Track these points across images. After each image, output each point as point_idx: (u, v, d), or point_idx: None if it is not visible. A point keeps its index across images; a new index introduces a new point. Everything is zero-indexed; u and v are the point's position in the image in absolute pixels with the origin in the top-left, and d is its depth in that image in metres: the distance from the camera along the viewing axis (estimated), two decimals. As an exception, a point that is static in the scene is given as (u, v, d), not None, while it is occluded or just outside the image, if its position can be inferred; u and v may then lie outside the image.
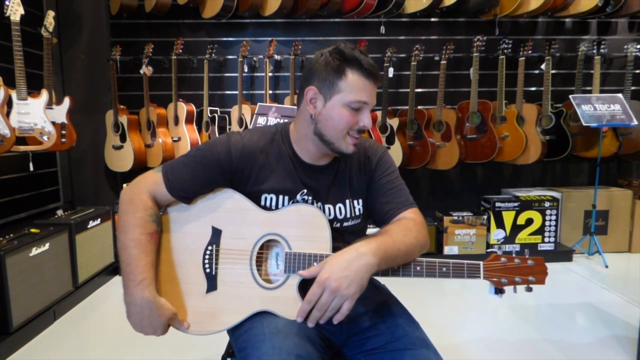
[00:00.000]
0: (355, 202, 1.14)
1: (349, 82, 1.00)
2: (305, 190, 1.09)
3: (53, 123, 2.50)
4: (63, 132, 2.56)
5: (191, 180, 1.06)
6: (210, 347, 2.05)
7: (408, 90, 3.18)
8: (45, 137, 2.48)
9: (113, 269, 3.01)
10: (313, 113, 1.05)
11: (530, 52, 3.17)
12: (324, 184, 1.12)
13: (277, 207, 1.08)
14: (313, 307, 0.93)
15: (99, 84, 3.15)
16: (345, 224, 1.13)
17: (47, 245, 2.34)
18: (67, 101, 2.58)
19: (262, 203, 1.08)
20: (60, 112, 2.56)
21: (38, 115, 2.46)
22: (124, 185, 3.09)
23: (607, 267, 3.04)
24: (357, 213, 1.15)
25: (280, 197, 1.08)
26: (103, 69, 3.13)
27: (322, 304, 0.92)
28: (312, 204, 1.09)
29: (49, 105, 2.50)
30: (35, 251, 2.24)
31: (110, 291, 2.81)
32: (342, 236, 1.12)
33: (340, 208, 1.12)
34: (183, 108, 3.12)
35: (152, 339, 2.21)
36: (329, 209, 1.11)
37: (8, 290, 2.04)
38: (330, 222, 1.10)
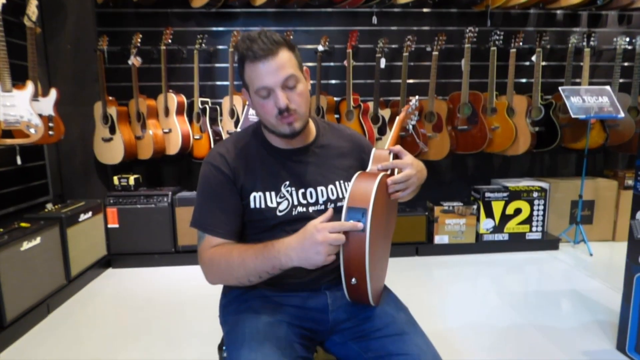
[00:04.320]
0: (346, 183, 1.15)
1: (248, 76, 1.04)
2: (287, 182, 1.11)
3: (40, 115, 2.45)
4: (50, 124, 2.51)
5: (224, 214, 1.09)
6: (206, 340, 2.07)
7: (400, 81, 3.18)
8: (32, 130, 2.43)
9: (106, 262, 3.01)
10: (252, 108, 1.10)
11: (521, 43, 3.18)
12: (310, 167, 1.14)
13: (265, 204, 1.09)
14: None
15: (86, 75, 3.09)
16: (340, 204, 1.13)
17: (38, 240, 2.32)
18: (53, 93, 2.53)
19: (252, 204, 1.09)
20: (47, 104, 2.51)
21: (24, 107, 2.41)
22: (114, 177, 3.07)
23: (591, 255, 3.12)
24: None
25: (267, 193, 1.10)
26: (90, 60, 3.06)
27: (411, 181, 1.07)
28: (297, 193, 1.11)
29: (34, 97, 2.45)
30: (26, 245, 2.23)
31: (103, 283, 2.81)
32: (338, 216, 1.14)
33: (332, 189, 1.14)
34: (173, 99, 3.09)
35: (146, 330, 2.23)
36: (321, 190, 1.13)
37: (0, 285, 2.03)
38: (324, 203, 1.12)
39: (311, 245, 0.89)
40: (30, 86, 2.43)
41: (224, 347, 1.14)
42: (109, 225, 3.00)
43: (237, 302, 1.12)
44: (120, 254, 3.04)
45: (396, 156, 1.11)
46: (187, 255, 3.04)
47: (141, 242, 3.02)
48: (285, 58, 1.02)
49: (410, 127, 1.48)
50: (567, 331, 2.08)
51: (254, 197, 1.09)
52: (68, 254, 2.57)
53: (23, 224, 2.35)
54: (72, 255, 2.61)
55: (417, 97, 1.43)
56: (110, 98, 3.06)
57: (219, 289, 1.21)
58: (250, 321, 1.03)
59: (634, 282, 1.78)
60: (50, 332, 2.19)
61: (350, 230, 0.90)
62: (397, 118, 1.31)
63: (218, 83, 3.32)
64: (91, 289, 2.72)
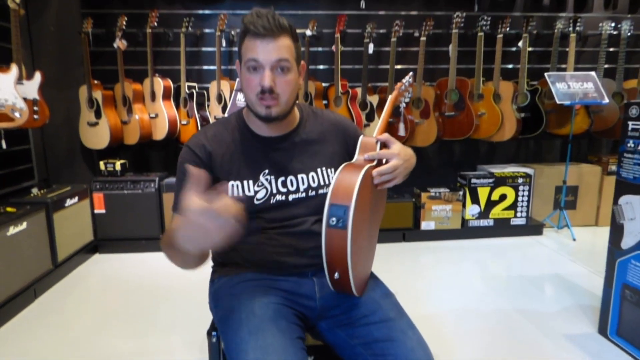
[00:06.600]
0: (328, 170, 1.15)
1: (244, 47, 1.03)
2: (266, 170, 1.11)
3: (24, 99, 2.42)
4: (35, 108, 2.49)
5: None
6: (194, 326, 2.09)
7: (388, 66, 3.18)
8: (17, 114, 2.41)
9: (93, 247, 3.00)
10: (241, 85, 1.10)
11: (508, 29, 3.19)
12: (290, 154, 1.13)
13: (243, 193, 1.09)
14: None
15: (71, 58, 3.05)
16: (321, 191, 1.14)
17: (24, 225, 2.31)
18: (38, 76, 2.50)
19: (229, 192, 1.09)
20: (32, 88, 2.48)
21: (8, 91, 2.39)
22: (101, 162, 3.05)
23: (574, 240, 3.18)
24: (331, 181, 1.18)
25: (245, 182, 1.10)
26: (74, 42, 3.02)
27: (398, 172, 1.07)
28: (277, 181, 1.11)
29: (19, 80, 2.42)
30: (12, 230, 2.22)
31: (90, 269, 2.81)
32: (321, 202, 1.11)
33: (313, 176, 1.13)
34: (159, 83, 3.06)
35: (133, 316, 2.23)
36: (302, 178, 1.12)
37: (-14, 270, 2.03)
38: (305, 190, 1.12)
39: (195, 230, 0.77)
40: (14, 69, 2.40)
41: (213, 333, 1.16)
42: (96, 211, 2.99)
43: (227, 287, 1.13)
44: (107, 239, 3.04)
45: (384, 144, 1.11)
46: (175, 240, 3.04)
47: (128, 228, 3.02)
48: (284, 44, 1.01)
49: (403, 105, 1.47)
50: (550, 315, 2.12)
51: (232, 185, 1.09)
52: (54, 239, 2.57)
53: (9, 209, 2.33)
54: (58, 241, 2.60)
55: (411, 73, 1.42)
56: (96, 82, 3.03)
57: (206, 275, 1.22)
58: (245, 304, 1.03)
59: (615, 267, 1.81)
60: (38, 317, 2.19)
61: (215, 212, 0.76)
62: (389, 97, 1.30)
63: (205, 67, 3.29)
64: (78, 274, 2.72)
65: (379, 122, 1.20)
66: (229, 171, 1.09)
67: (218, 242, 0.77)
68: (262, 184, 1.10)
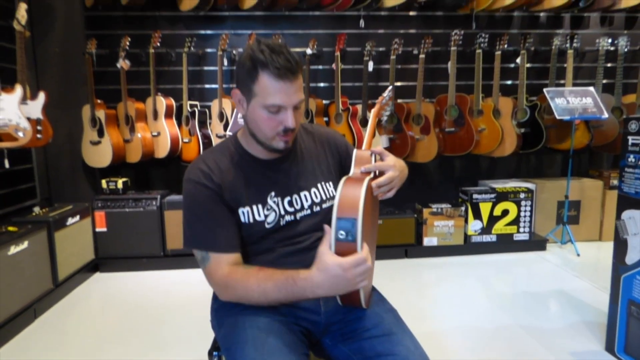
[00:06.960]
0: (327, 184, 1.18)
1: (261, 86, 1.00)
2: (273, 193, 1.11)
3: (28, 119, 2.45)
4: (38, 127, 2.51)
5: (223, 229, 1.06)
6: (195, 345, 2.07)
7: (387, 84, 3.21)
8: (20, 134, 2.43)
9: (93, 266, 2.99)
10: (243, 114, 1.09)
11: (506, 46, 3.23)
12: (292, 174, 1.15)
13: (254, 219, 1.09)
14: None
15: (75, 78, 3.09)
16: (325, 205, 1.16)
17: (25, 244, 2.31)
18: (42, 96, 2.53)
19: (242, 219, 1.09)
20: (35, 108, 2.51)
21: (12, 111, 2.41)
22: (103, 181, 3.06)
23: (578, 255, 3.15)
24: (332, 194, 1.19)
25: (254, 207, 1.10)
26: (78, 63, 3.06)
27: (394, 183, 1.10)
28: (283, 202, 1.12)
29: (23, 100, 2.45)
30: (13, 250, 2.22)
31: (91, 288, 2.80)
32: (325, 216, 1.14)
33: (315, 192, 1.15)
34: (162, 102, 3.09)
35: (134, 335, 2.21)
36: (305, 195, 1.14)
37: (-14, 290, 2.02)
38: (310, 207, 1.14)
39: (344, 284, 0.92)
40: (19, 90, 2.43)
41: (214, 353, 1.14)
42: (97, 229, 2.99)
43: (230, 304, 1.11)
44: (108, 257, 3.02)
45: (378, 157, 1.13)
46: (175, 259, 3.03)
47: (129, 246, 3.01)
48: (300, 82, 1.03)
49: (385, 118, 1.51)
50: (555, 332, 2.09)
51: (242, 212, 1.09)
52: (55, 258, 2.56)
53: (10, 228, 2.33)
54: (59, 259, 2.59)
55: (390, 87, 1.46)
56: (99, 101, 3.06)
57: (207, 293, 1.21)
58: (249, 320, 1.03)
59: (620, 283, 1.79)
60: (37, 337, 2.17)
61: (365, 260, 0.91)
62: (372, 111, 1.33)
63: (207, 86, 3.33)
64: (79, 293, 2.71)
65: (366, 135, 1.23)
66: (237, 198, 1.09)
67: (356, 289, 0.94)
68: (271, 207, 1.11)
